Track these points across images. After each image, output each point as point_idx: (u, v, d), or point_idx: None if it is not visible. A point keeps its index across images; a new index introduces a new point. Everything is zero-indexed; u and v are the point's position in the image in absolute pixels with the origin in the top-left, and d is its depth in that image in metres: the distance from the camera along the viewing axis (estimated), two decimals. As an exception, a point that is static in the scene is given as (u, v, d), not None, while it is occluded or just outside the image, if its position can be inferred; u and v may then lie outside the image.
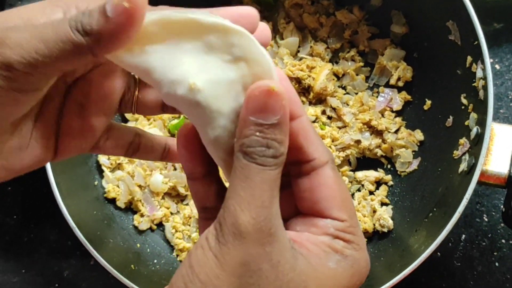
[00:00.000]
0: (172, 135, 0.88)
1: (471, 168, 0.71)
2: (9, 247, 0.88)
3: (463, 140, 0.76)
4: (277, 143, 0.35)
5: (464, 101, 0.77)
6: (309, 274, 0.36)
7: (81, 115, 0.44)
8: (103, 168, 0.85)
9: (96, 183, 0.85)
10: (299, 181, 0.39)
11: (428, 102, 0.86)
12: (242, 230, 0.34)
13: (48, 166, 0.74)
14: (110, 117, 0.46)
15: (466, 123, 0.76)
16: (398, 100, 0.88)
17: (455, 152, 0.77)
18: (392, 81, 0.89)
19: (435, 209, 0.77)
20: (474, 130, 0.73)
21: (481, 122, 0.72)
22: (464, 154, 0.75)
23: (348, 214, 0.39)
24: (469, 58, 0.76)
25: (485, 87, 0.72)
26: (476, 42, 0.73)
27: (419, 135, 0.86)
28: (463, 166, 0.74)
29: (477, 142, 0.72)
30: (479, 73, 0.73)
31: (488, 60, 0.72)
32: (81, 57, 0.35)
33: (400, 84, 0.89)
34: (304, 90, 0.89)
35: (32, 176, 0.91)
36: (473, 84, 0.75)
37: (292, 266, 0.35)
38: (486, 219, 0.85)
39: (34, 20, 0.38)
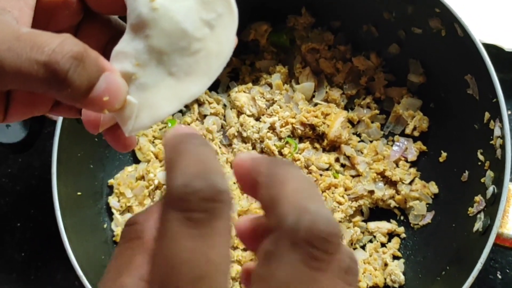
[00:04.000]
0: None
1: (487, 229, 0.69)
2: (15, 285, 0.88)
3: (478, 198, 0.74)
4: None
5: (481, 157, 0.76)
6: None
7: None
8: (113, 210, 0.85)
9: (105, 225, 0.84)
10: None
11: (444, 154, 0.84)
12: None
13: (57, 206, 0.74)
14: None
15: (482, 180, 0.74)
16: (413, 150, 0.87)
17: (470, 209, 0.75)
18: (408, 131, 0.88)
19: (448, 268, 0.75)
20: (491, 189, 0.72)
21: (498, 182, 0.70)
22: (479, 212, 0.73)
23: None
24: (487, 114, 0.74)
25: (502, 146, 0.71)
26: (494, 100, 0.72)
27: (433, 187, 0.84)
28: (478, 226, 0.72)
29: (493, 202, 0.70)
30: (497, 132, 0.72)
31: (506, 120, 0.71)
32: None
33: (416, 134, 0.87)
34: (318, 136, 0.88)
35: (42, 213, 0.91)
36: (490, 142, 0.73)
37: None
38: (500, 277, 0.83)
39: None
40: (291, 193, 0.27)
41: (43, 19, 0.40)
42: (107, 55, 0.38)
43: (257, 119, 0.90)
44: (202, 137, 0.30)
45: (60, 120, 0.76)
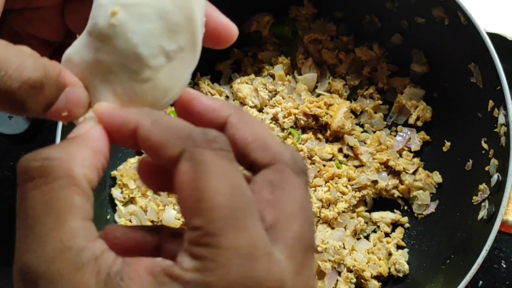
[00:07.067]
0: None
1: (491, 217, 0.69)
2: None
3: (483, 186, 0.74)
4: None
5: (485, 145, 0.76)
6: None
7: None
8: (116, 202, 0.84)
9: (108, 217, 0.84)
10: None
11: (448, 143, 0.84)
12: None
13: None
14: None
15: (486, 168, 0.74)
16: (416, 140, 0.87)
17: (474, 197, 0.75)
18: (411, 121, 0.87)
19: (452, 256, 0.75)
20: (495, 177, 0.72)
21: (502, 170, 0.70)
22: (484, 200, 0.73)
23: (205, 217, 0.28)
24: (490, 102, 0.74)
25: (507, 134, 0.70)
26: (498, 88, 0.72)
27: (437, 177, 0.84)
28: (482, 214, 0.72)
29: (498, 190, 0.70)
30: (501, 119, 0.72)
31: (511, 107, 0.70)
32: None
33: (419, 123, 0.87)
34: (321, 127, 0.88)
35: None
36: (494, 130, 0.73)
37: None
38: (504, 266, 0.83)
39: None
40: (269, 134, 0.33)
41: None
42: None
43: (260, 110, 0.89)
44: None
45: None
